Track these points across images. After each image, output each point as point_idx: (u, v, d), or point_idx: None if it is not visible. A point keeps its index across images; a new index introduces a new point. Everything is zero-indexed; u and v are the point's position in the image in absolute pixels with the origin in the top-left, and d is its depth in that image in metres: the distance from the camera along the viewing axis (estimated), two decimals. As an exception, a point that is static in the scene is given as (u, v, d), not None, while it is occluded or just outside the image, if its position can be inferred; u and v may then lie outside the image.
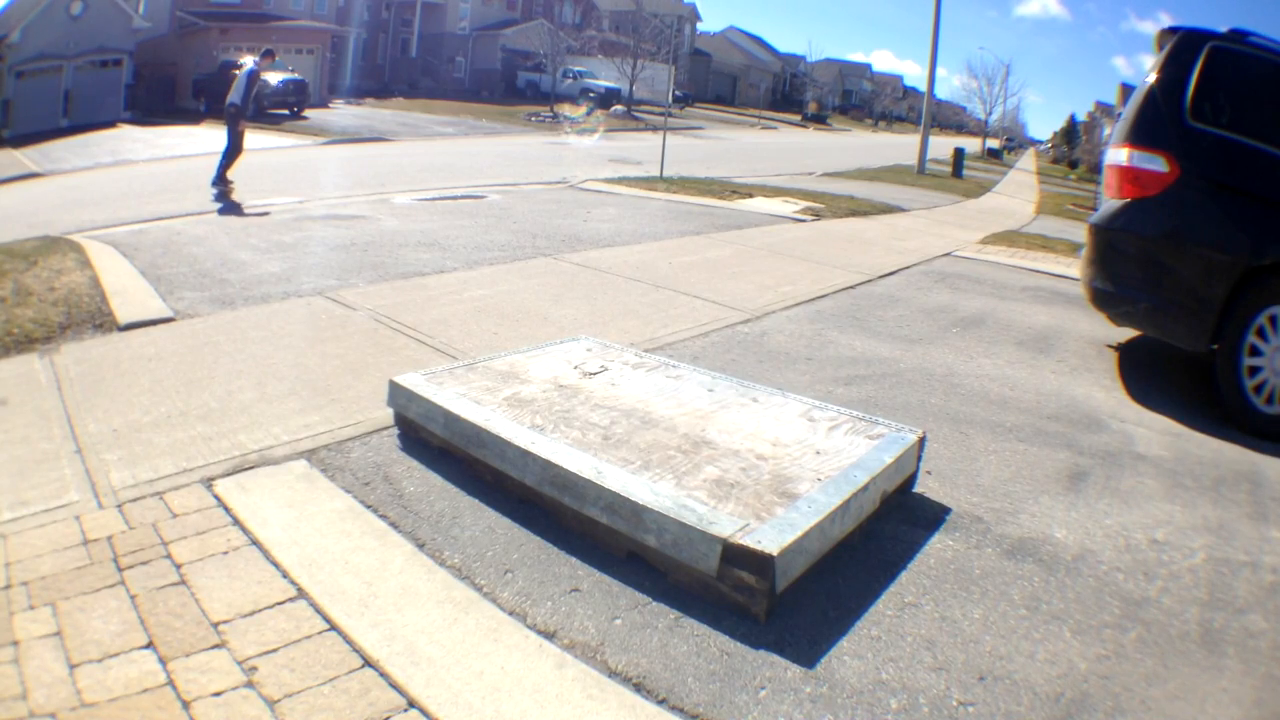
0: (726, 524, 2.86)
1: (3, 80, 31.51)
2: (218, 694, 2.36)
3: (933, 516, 3.65)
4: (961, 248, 11.27)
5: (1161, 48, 5.71)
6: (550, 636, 2.71)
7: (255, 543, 3.14)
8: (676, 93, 57.67)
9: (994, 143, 67.38)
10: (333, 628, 2.67)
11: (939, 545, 3.41)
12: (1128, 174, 5.48)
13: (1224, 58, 5.45)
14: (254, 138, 26.43)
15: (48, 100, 32.72)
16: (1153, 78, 5.57)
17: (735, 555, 2.77)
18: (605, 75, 53.24)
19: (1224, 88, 5.39)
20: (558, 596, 2.92)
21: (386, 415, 4.23)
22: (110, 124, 31.41)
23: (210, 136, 26.65)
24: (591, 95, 46.83)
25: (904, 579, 3.15)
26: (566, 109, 43.52)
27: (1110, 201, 5.65)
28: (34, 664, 2.46)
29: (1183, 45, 5.56)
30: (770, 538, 2.78)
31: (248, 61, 14.03)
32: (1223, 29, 5.57)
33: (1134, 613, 3.03)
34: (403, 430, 4.13)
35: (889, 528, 3.50)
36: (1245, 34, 5.55)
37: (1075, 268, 6.90)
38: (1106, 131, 31.77)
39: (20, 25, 31.71)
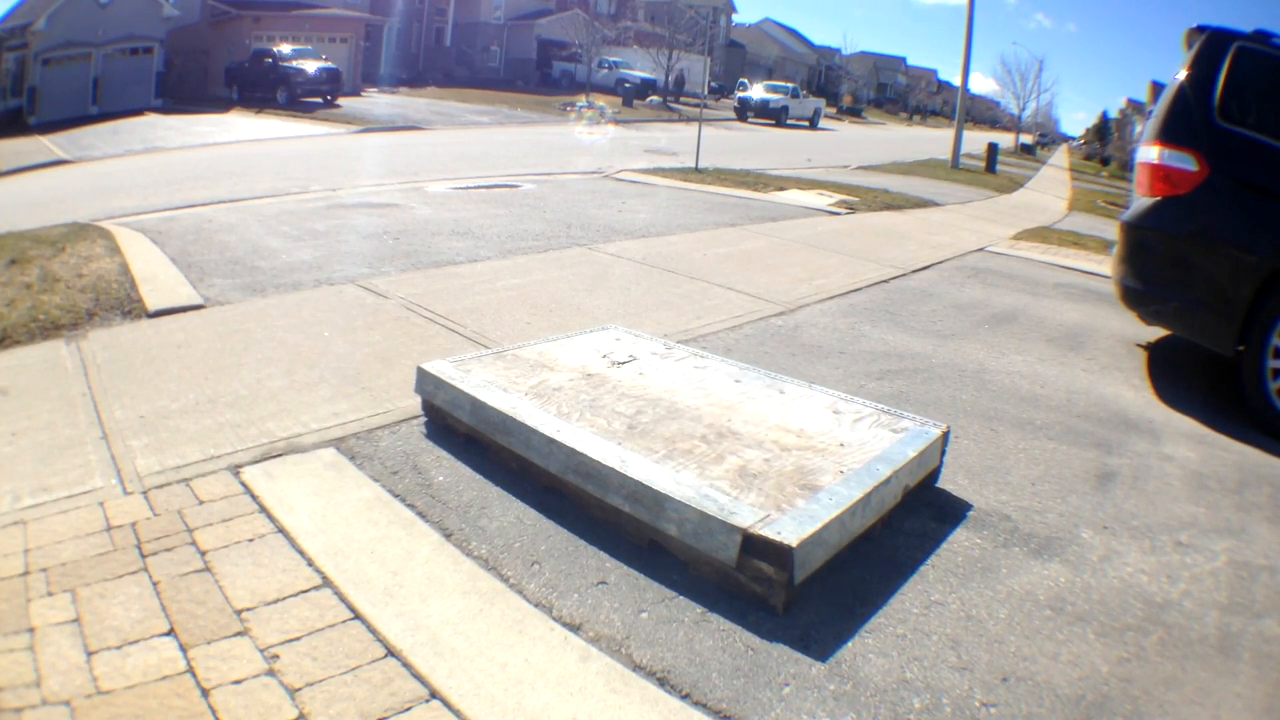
0: (747, 514, 2.86)
1: (29, 67, 31.88)
2: (238, 682, 2.37)
3: (958, 512, 3.63)
4: (994, 243, 11.17)
5: (1190, 46, 5.69)
6: (576, 629, 2.71)
7: (281, 530, 3.15)
8: (712, 84, 57.53)
9: (1027, 138, 66.89)
10: (357, 617, 2.68)
11: (966, 542, 3.38)
12: (1159, 172, 5.44)
13: (1249, 59, 5.43)
14: (288, 125, 26.68)
15: (76, 87, 33.11)
16: (1183, 75, 5.55)
17: (754, 546, 2.77)
18: (641, 66, 53.22)
19: (1249, 88, 5.38)
20: (584, 589, 2.93)
21: (416, 404, 4.24)
22: (140, 111, 31.73)
23: (242, 124, 26.92)
24: (627, 86, 46.65)
25: (930, 576, 3.13)
26: (602, 99, 43.50)
27: (1141, 199, 5.60)
28: (50, 651, 2.46)
29: (1210, 45, 5.55)
30: (790, 529, 2.78)
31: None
32: (1248, 30, 5.55)
33: (1156, 615, 3.00)
34: (430, 417, 4.15)
35: (914, 523, 3.49)
36: (1269, 35, 5.55)
37: (1106, 265, 6.84)
38: (1138, 129, 31.43)
39: (46, 13, 32.08)
